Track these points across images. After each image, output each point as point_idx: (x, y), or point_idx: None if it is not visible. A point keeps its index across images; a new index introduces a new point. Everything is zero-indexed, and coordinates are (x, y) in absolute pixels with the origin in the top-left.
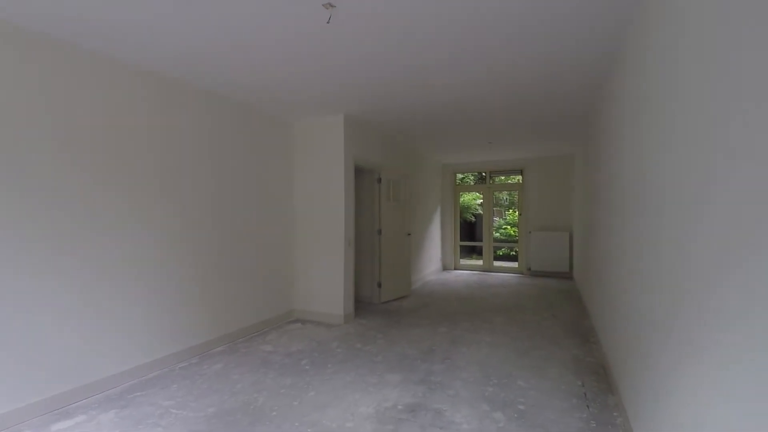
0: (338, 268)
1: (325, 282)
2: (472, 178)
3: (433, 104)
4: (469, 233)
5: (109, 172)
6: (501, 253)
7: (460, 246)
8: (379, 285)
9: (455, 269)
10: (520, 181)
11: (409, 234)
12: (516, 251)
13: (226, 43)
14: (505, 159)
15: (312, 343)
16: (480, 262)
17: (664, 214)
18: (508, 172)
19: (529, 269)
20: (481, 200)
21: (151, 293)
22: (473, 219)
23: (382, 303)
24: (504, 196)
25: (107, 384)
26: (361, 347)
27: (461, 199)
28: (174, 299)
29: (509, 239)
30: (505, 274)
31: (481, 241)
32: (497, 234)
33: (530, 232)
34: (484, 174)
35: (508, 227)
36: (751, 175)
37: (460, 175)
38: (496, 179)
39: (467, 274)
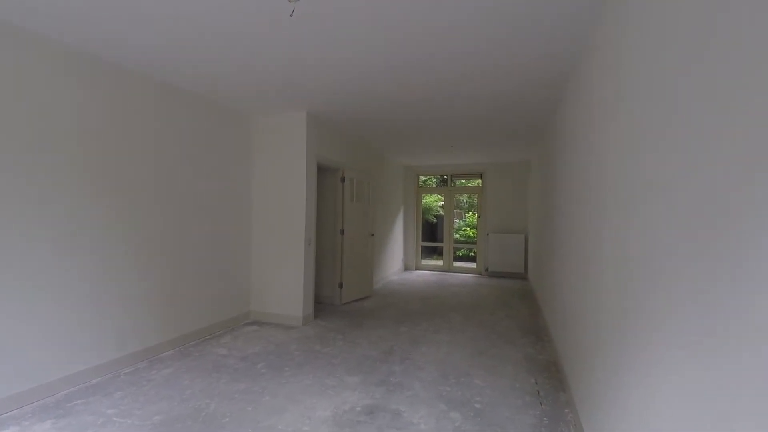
0: (298, 268)
1: (284, 282)
2: (434, 180)
3: (398, 105)
4: (431, 234)
5: (35, 169)
6: (461, 254)
7: (422, 246)
8: (341, 286)
9: (417, 269)
10: (480, 185)
11: (372, 234)
12: (475, 252)
13: (188, 32)
14: (466, 163)
15: (269, 345)
16: (440, 263)
17: (605, 216)
18: (469, 176)
19: (487, 270)
20: (443, 202)
21: (93, 294)
22: (435, 220)
23: (343, 304)
24: (464, 198)
25: (44, 392)
26: (320, 349)
27: (423, 201)
28: (118, 300)
29: (468, 240)
30: (464, 275)
31: (442, 242)
32: (457, 235)
33: (488, 234)
34: (446, 177)
35: (468, 229)
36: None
37: (422, 178)
38: (458, 182)
39: (428, 274)
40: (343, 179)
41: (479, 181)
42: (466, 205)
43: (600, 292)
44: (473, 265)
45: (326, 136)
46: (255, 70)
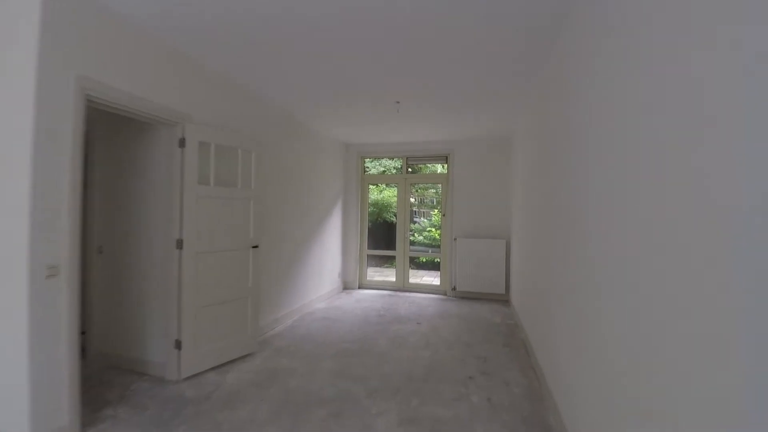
0: (17, 330)
1: None
2: (393, 167)
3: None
4: (388, 239)
5: None
6: (424, 260)
7: (372, 255)
8: (179, 345)
9: (360, 288)
10: (445, 170)
11: (256, 246)
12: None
13: None
14: (426, 140)
15: None
16: (390, 278)
17: None
18: (431, 159)
19: (454, 289)
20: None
21: None
22: (395, 220)
23: (185, 379)
24: (431, 190)
25: None
26: None
27: (380, 195)
28: None
29: (434, 244)
30: (423, 296)
31: (395, 249)
32: (420, 238)
33: (456, 240)
34: (399, 159)
35: (433, 230)
36: None
37: (369, 162)
38: (422, 168)
39: (374, 296)
40: (182, 142)
41: (444, 166)
42: (433, 202)
43: None
44: (437, 280)
45: (133, 48)
46: None
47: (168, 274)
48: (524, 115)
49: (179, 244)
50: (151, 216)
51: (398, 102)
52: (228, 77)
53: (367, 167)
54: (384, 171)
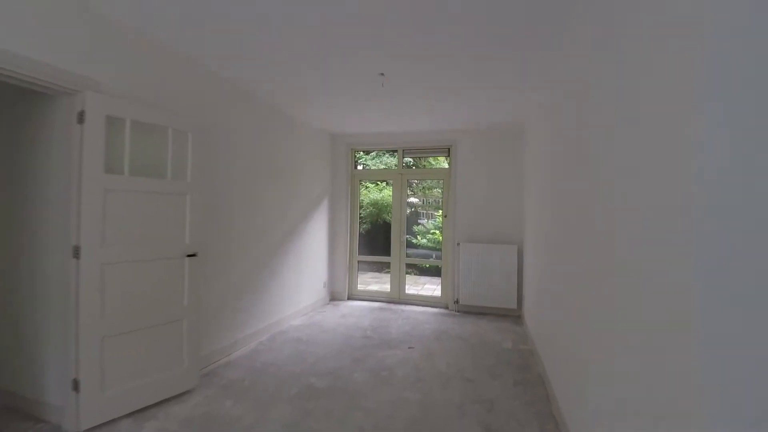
0: None
1: None
2: (395, 166)
3: None
4: (386, 242)
5: None
6: (428, 266)
7: (367, 261)
8: (77, 386)
9: (350, 299)
10: (447, 165)
11: (194, 254)
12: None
13: None
14: (424, 129)
15: None
16: (388, 287)
17: None
18: (431, 152)
19: (457, 302)
20: (414, 197)
21: None
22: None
23: (86, 431)
24: (436, 189)
25: None
26: None
27: (380, 195)
28: None
29: (438, 247)
30: (420, 310)
31: (390, 254)
32: (424, 241)
33: (458, 244)
34: (395, 153)
35: (438, 233)
36: None
37: (370, 160)
38: (426, 165)
39: (363, 309)
40: (81, 117)
41: (446, 160)
42: (438, 202)
43: None
44: (438, 290)
45: None
46: None
47: (63, 292)
48: (544, 90)
49: (76, 252)
50: (49, 217)
51: (383, 74)
52: (155, 39)
53: (367, 165)
54: (386, 168)
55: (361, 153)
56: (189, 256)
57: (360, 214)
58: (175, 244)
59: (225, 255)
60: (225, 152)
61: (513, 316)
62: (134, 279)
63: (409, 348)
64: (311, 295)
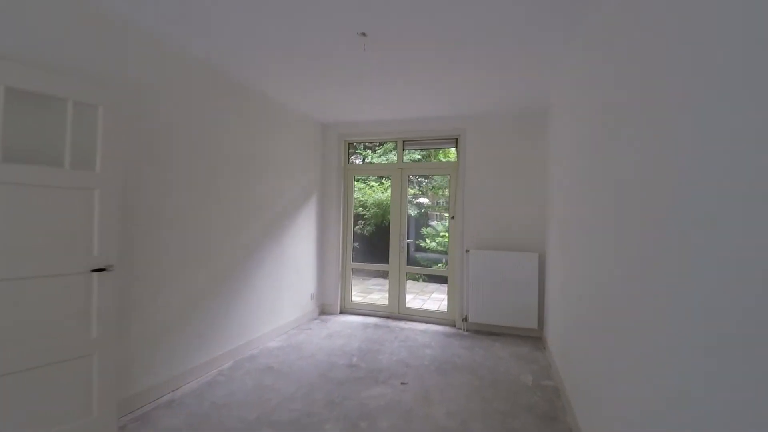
0: None
1: None
2: (389, 152)
3: None
4: (385, 248)
5: None
6: (439, 266)
7: (363, 269)
8: None
9: (342, 313)
10: (455, 158)
11: (105, 269)
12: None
13: None
14: (428, 116)
15: None
16: (387, 299)
17: None
18: (436, 142)
19: (466, 320)
20: (423, 197)
21: None
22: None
23: None
24: (446, 188)
25: None
26: None
27: (385, 194)
28: None
29: (447, 251)
30: (422, 328)
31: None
32: (433, 244)
33: (468, 251)
34: (395, 143)
35: (447, 235)
36: None
37: (375, 158)
38: (433, 157)
39: (356, 326)
40: None
41: (453, 152)
42: (446, 203)
43: None
44: (445, 305)
45: None
46: None
47: None
48: (575, 45)
49: None
50: None
51: (364, 35)
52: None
53: (371, 161)
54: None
55: (365, 149)
56: (95, 270)
57: (363, 215)
58: (75, 255)
59: (167, 268)
60: (166, 136)
61: (533, 337)
62: (11, 304)
63: (401, 384)
64: (294, 310)
